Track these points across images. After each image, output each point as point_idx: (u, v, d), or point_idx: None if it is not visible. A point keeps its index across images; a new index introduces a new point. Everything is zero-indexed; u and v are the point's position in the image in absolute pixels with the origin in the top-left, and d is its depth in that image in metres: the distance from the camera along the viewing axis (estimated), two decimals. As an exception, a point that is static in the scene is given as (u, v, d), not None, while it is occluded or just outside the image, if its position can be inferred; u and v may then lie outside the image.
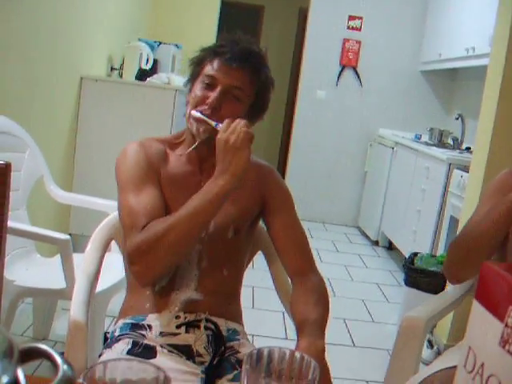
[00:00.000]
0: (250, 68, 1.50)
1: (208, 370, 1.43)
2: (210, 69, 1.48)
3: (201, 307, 1.51)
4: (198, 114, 1.45)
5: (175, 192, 1.49)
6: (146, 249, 1.30)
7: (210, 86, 1.47)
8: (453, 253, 1.67)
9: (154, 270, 1.34)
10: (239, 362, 1.45)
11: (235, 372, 1.43)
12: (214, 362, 1.44)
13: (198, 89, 1.49)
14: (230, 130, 1.32)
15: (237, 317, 1.63)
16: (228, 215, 1.52)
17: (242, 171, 1.31)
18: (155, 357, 1.41)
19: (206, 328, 1.49)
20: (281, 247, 1.58)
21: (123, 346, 1.44)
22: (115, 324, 1.57)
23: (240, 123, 1.33)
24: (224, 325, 1.53)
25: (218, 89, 1.46)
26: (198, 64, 1.54)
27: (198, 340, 1.46)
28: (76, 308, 1.49)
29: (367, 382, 2.95)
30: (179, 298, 1.50)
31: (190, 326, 1.48)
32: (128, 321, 1.51)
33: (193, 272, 1.51)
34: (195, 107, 1.47)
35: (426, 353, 3.19)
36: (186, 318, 1.48)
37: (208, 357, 1.45)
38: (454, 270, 1.68)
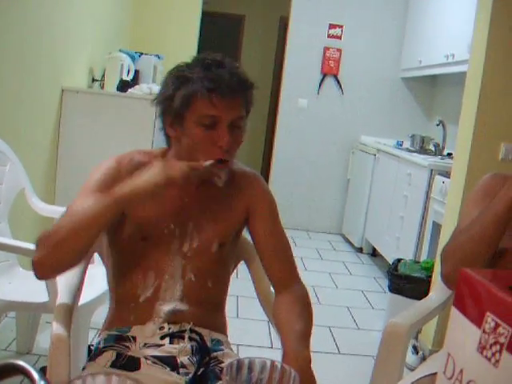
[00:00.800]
0: (245, 95, 1.45)
1: (192, 380, 1.42)
2: (209, 107, 1.38)
3: (185, 318, 1.50)
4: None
5: (146, 201, 1.46)
6: (43, 238, 1.33)
7: (210, 126, 1.39)
8: (451, 260, 1.56)
9: (46, 262, 1.34)
10: (223, 372, 1.45)
11: (219, 382, 1.43)
12: (199, 373, 1.44)
13: (196, 132, 1.40)
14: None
15: (221, 327, 1.63)
16: (213, 231, 1.52)
17: (124, 201, 1.34)
18: (139, 368, 1.40)
19: (191, 339, 1.48)
20: (264, 256, 1.57)
21: (107, 357, 1.43)
22: (99, 336, 1.56)
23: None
24: (208, 335, 1.53)
25: (225, 128, 1.39)
26: (184, 104, 1.40)
27: (182, 351, 1.46)
28: (58, 321, 1.48)
29: (353, 388, 2.95)
30: (163, 308, 1.49)
31: (174, 337, 1.48)
32: (112, 332, 1.51)
33: (177, 284, 1.51)
34: (205, 154, 1.41)
35: (412, 358, 3.19)
36: (170, 329, 1.48)
37: (192, 368, 1.44)
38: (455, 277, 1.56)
